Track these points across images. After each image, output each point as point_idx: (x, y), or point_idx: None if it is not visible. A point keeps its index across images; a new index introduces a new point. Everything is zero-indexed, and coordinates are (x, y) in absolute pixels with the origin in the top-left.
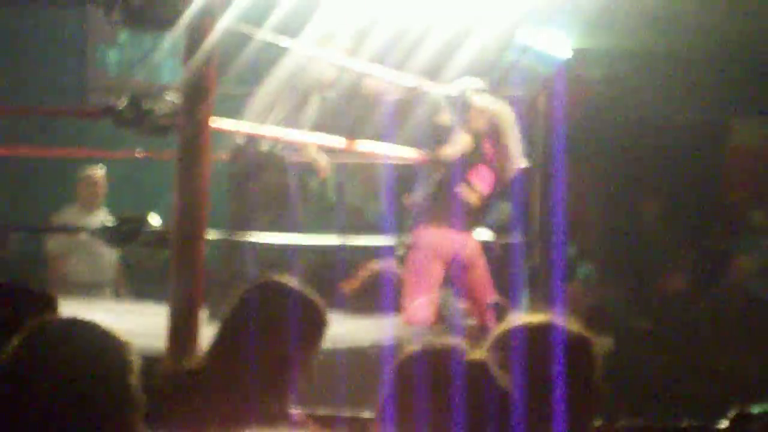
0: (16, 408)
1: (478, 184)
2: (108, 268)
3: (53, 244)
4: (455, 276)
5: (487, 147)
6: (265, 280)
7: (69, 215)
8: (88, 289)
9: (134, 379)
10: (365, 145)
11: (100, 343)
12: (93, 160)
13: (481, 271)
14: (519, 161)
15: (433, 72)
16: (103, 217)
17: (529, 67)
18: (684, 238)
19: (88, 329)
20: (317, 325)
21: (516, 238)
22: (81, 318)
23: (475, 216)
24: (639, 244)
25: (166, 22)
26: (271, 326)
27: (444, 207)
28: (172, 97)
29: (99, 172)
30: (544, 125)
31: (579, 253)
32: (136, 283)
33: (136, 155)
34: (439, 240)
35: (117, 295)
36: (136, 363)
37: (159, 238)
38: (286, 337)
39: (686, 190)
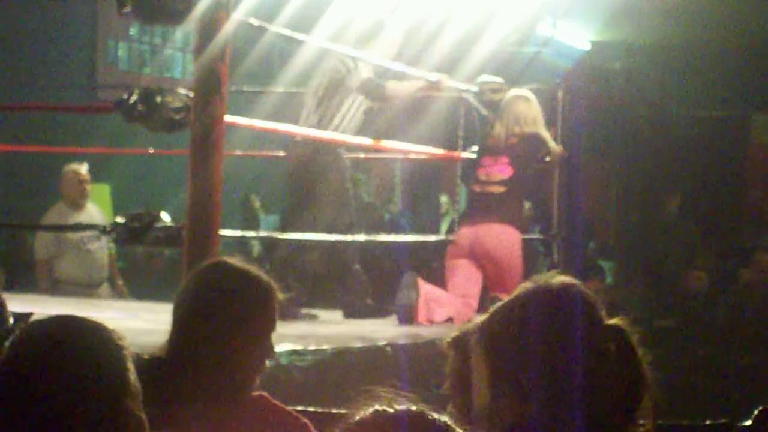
0: (12, 404)
1: (491, 177)
2: (101, 266)
3: (41, 246)
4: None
5: (503, 138)
6: (208, 262)
7: (56, 214)
8: (83, 289)
9: (130, 367)
10: (383, 142)
11: (93, 335)
12: (80, 157)
13: (507, 270)
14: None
15: (453, 65)
16: (91, 214)
17: (548, 59)
18: (705, 234)
19: (79, 323)
20: (262, 298)
21: (535, 233)
22: (70, 314)
23: (506, 207)
24: (659, 240)
25: (178, 15)
26: (216, 304)
27: (472, 204)
28: (185, 92)
29: (84, 167)
30: (564, 118)
31: (599, 249)
32: (139, 283)
33: (150, 152)
34: (469, 238)
35: (114, 292)
36: (131, 351)
37: (172, 235)
38: (231, 314)
39: (707, 186)
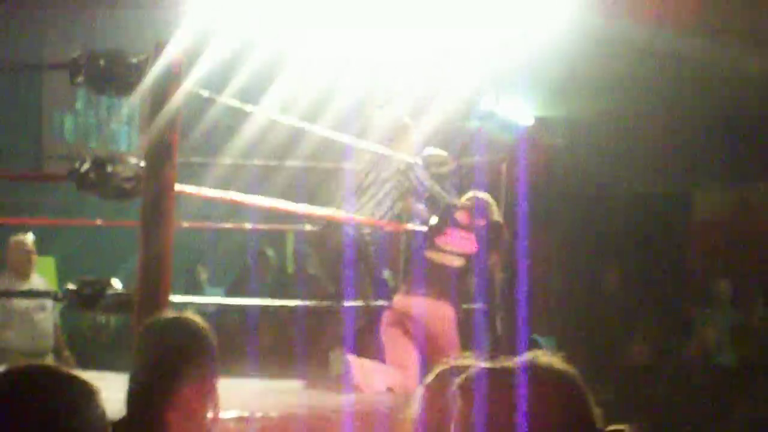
0: None
1: (452, 247)
2: (47, 336)
3: None
4: (420, 345)
5: (463, 215)
6: (150, 320)
7: (1, 284)
8: (28, 359)
9: (100, 410)
10: (326, 212)
11: (62, 382)
12: (25, 229)
13: (444, 343)
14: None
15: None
16: (36, 284)
17: (492, 133)
18: (646, 308)
19: (47, 371)
20: (198, 346)
21: (478, 305)
22: (39, 364)
23: (452, 282)
24: (600, 313)
25: (129, 86)
26: (154, 357)
27: (416, 273)
28: (136, 161)
29: (29, 238)
30: (507, 192)
31: (540, 322)
32: (84, 354)
33: (97, 224)
34: (408, 308)
35: (60, 362)
36: (100, 395)
37: (123, 301)
38: (172, 364)
39: (648, 260)
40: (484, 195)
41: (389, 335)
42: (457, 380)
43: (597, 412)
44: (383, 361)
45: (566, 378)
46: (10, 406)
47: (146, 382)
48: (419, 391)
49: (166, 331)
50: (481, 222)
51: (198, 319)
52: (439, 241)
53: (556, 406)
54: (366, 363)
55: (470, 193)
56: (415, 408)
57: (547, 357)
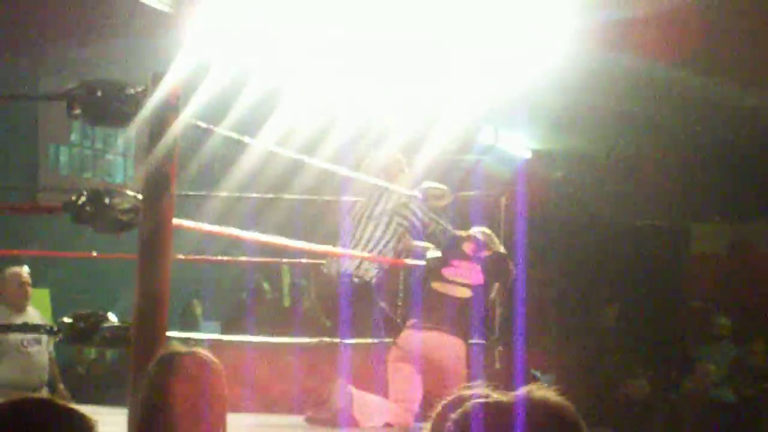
0: None
1: (459, 278)
2: (41, 370)
3: None
4: (427, 380)
5: (469, 246)
6: (157, 356)
7: None
8: (22, 392)
9: None
10: (323, 248)
11: (61, 416)
12: (20, 260)
13: (451, 378)
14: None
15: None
16: (32, 317)
17: (490, 167)
18: (645, 342)
19: (45, 404)
20: (209, 382)
21: (476, 339)
22: (36, 397)
23: (459, 314)
24: (599, 348)
25: (126, 117)
26: (164, 392)
27: (422, 308)
28: (133, 193)
29: (25, 270)
30: (505, 225)
31: (538, 357)
32: (79, 387)
33: (93, 255)
34: (415, 343)
35: (55, 396)
36: (98, 429)
37: (119, 335)
38: (182, 405)
39: (647, 294)
40: (485, 227)
41: (394, 370)
42: (453, 415)
43: None
44: (386, 395)
45: (562, 412)
46: None
47: (152, 418)
48: (427, 426)
49: (175, 367)
50: (487, 253)
51: (208, 353)
52: (446, 272)
53: None
54: (365, 397)
55: (473, 226)
56: None
57: (542, 391)
